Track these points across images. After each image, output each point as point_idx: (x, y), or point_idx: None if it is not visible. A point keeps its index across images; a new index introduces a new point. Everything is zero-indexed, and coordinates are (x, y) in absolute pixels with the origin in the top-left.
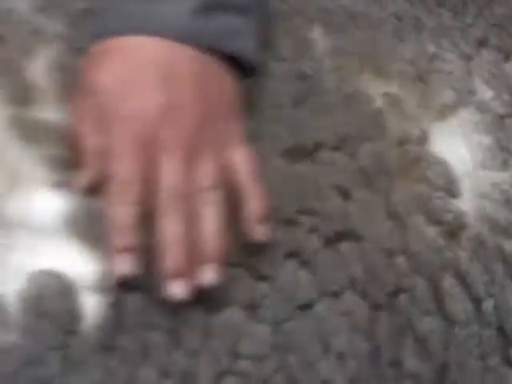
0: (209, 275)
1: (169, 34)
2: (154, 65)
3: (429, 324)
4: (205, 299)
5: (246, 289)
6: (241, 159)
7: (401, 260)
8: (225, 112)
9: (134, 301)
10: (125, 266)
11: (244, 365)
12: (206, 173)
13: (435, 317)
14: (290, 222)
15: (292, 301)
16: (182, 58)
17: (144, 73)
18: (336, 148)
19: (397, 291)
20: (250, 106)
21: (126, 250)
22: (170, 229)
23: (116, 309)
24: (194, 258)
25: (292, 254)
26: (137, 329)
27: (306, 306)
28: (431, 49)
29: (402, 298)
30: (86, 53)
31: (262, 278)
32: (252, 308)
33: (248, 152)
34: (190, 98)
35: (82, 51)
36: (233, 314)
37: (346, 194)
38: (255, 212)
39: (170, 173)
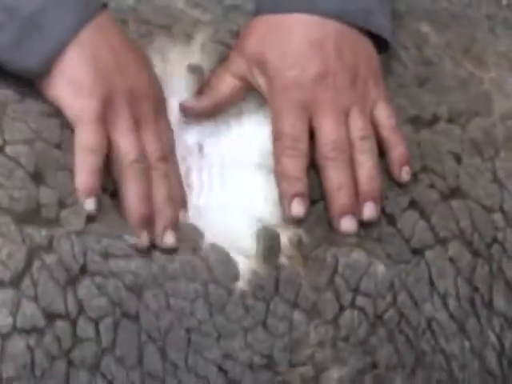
0: (369, 212)
1: (320, 13)
2: (308, 39)
3: None
4: (336, 240)
5: (375, 230)
6: (384, 115)
7: (497, 216)
8: (369, 75)
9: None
10: (300, 209)
11: (362, 301)
12: (358, 126)
13: None
14: (413, 177)
15: (409, 245)
16: (332, 32)
17: (301, 46)
18: (451, 121)
19: (492, 242)
20: None
21: (299, 195)
22: (335, 176)
23: None
24: (355, 199)
25: (414, 204)
26: (270, 269)
27: (419, 251)
28: None
29: (496, 248)
30: (244, 29)
31: (389, 221)
32: (376, 250)
33: (390, 108)
34: (340, 66)
35: (232, 33)
36: (359, 256)
37: (458, 159)
38: (401, 156)
39: (329, 129)
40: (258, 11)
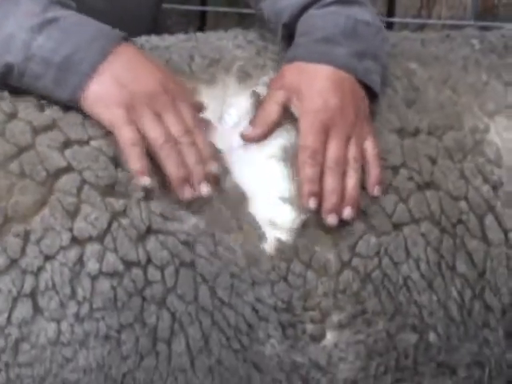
0: (347, 214)
1: (336, 65)
2: (331, 80)
3: (475, 244)
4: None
5: (365, 205)
6: (371, 146)
7: (462, 204)
8: (365, 115)
9: None
10: (314, 204)
11: (357, 261)
12: (354, 150)
13: (479, 240)
14: (394, 170)
15: (390, 221)
16: (346, 79)
17: (326, 84)
18: (429, 133)
19: (457, 223)
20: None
21: (315, 194)
22: (331, 181)
23: None
24: (341, 202)
25: (393, 191)
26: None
27: (398, 227)
28: (485, 78)
29: (460, 227)
30: (281, 68)
31: (374, 200)
32: (368, 221)
33: (376, 141)
34: (350, 103)
35: (257, 66)
36: (358, 226)
37: (433, 161)
38: (376, 177)
39: (336, 148)
40: (292, 59)
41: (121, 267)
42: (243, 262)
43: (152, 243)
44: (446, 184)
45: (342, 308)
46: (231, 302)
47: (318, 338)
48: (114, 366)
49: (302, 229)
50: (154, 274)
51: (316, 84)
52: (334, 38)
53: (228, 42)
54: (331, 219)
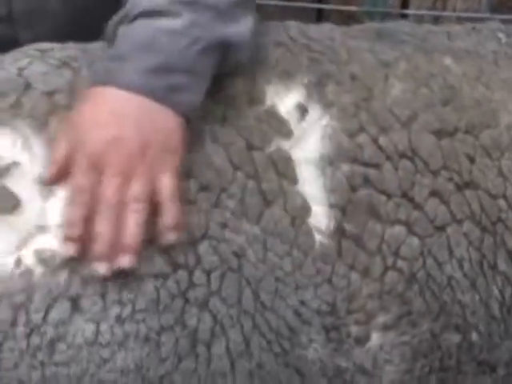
0: (124, 262)
1: (119, 85)
2: (108, 106)
3: None
4: (381, 214)
5: (406, 213)
6: (166, 182)
7: (501, 202)
8: (164, 145)
9: None
10: (70, 250)
11: (401, 264)
12: (135, 189)
13: None
14: (435, 173)
15: (433, 223)
16: (129, 102)
17: (99, 112)
18: (467, 132)
19: (497, 221)
20: (414, 102)
21: (71, 239)
22: (96, 227)
23: None
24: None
25: (434, 193)
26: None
27: (441, 228)
28: None
29: (500, 225)
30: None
31: (416, 207)
32: (409, 225)
33: (173, 176)
34: (133, 132)
35: None
36: (399, 230)
37: (472, 160)
38: (168, 220)
39: (107, 187)
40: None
41: (166, 269)
42: (289, 267)
43: (204, 248)
44: (485, 183)
45: (387, 309)
46: (274, 305)
47: (362, 340)
48: (152, 368)
49: (341, 232)
50: (199, 277)
51: (89, 112)
52: (124, 54)
53: None
54: (100, 268)
